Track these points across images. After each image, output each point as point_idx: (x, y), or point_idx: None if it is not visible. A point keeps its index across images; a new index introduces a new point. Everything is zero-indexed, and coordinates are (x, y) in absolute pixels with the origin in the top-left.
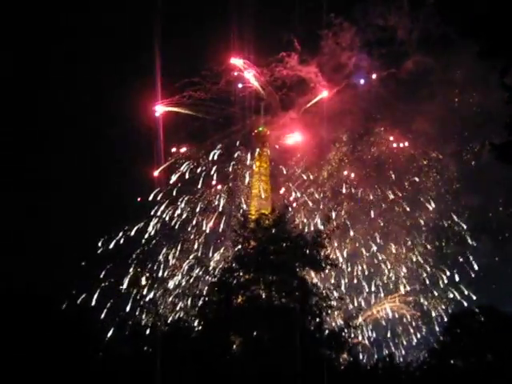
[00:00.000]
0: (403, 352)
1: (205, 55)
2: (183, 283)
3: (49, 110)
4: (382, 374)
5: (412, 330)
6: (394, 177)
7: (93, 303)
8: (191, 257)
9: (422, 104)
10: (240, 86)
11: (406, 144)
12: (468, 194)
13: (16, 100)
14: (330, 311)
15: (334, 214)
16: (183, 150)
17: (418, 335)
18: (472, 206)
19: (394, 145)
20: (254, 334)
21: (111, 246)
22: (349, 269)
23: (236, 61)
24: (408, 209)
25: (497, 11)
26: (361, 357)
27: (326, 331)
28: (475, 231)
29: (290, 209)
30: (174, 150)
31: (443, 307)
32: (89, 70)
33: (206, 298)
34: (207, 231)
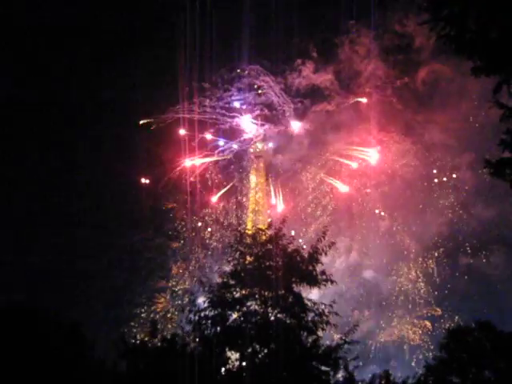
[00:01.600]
0: (402, 368)
1: (216, 60)
2: (181, 299)
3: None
4: None
5: (418, 351)
6: (405, 189)
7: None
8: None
9: (436, 114)
10: (239, 103)
11: (419, 155)
12: (482, 207)
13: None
14: (326, 327)
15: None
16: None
17: (426, 355)
18: (486, 219)
19: (406, 156)
20: (250, 349)
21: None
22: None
23: (241, 71)
24: (419, 221)
25: (490, 30)
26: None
27: (323, 347)
28: (488, 244)
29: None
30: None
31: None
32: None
33: (202, 314)
34: (211, 246)
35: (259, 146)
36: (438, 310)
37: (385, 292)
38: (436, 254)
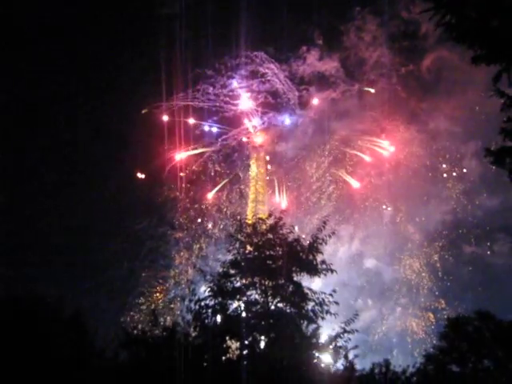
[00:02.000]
0: (405, 358)
1: (220, 47)
2: (182, 288)
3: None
4: (379, 378)
5: (421, 342)
6: (409, 178)
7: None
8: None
9: (441, 102)
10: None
11: (423, 144)
12: (486, 196)
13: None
14: (326, 316)
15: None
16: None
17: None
18: (490, 208)
19: (411, 144)
20: (250, 338)
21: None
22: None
23: (245, 57)
24: (423, 211)
25: (490, 18)
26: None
27: (323, 336)
28: (492, 233)
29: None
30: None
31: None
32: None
33: (203, 303)
34: (214, 235)
35: (261, 134)
36: (442, 301)
37: (388, 282)
38: (440, 244)
